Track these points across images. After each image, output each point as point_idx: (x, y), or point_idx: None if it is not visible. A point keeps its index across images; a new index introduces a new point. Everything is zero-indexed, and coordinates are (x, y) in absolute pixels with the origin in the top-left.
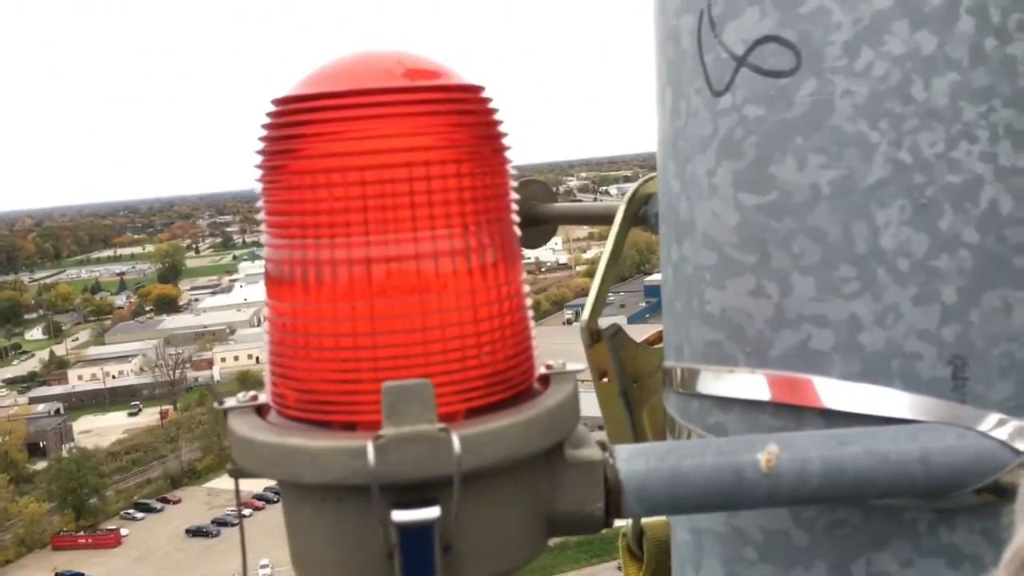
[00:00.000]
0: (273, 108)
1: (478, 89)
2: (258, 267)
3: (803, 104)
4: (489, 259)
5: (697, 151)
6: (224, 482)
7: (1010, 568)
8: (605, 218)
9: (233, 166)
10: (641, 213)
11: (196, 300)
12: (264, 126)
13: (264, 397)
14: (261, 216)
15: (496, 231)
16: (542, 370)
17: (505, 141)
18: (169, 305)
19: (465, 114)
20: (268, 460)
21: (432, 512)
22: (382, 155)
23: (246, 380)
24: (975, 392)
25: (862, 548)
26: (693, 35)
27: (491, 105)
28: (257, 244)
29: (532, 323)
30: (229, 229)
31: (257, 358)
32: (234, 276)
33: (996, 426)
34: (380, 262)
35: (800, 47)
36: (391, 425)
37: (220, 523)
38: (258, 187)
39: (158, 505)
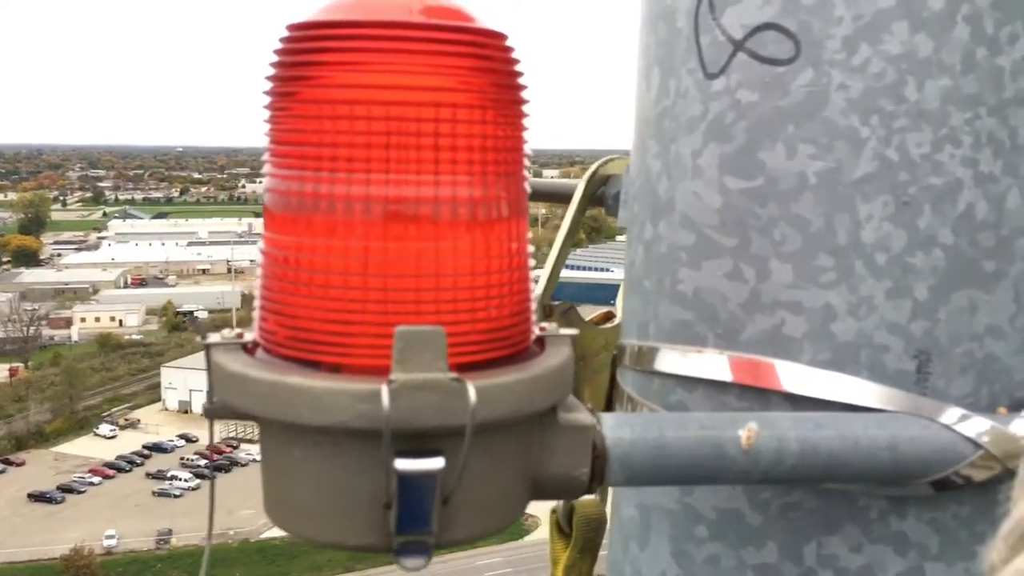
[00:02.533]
0: (288, 33)
1: (501, 36)
2: (129, 227)
3: (798, 93)
4: (504, 211)
5: (684, 131)
6: (74, 447)
7: (1008, 540)
8: (562, 196)
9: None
10: (599, 193)
11: (59, 255)
12: (277, 51)
13: (250, 335)
14: (266, 145)
15: (511, 184)
16: (536, 332)
17: (524, 94)
18: (29, 258)
19: (488, 59)
20: (264, 398)
21: (437, 462)
22: (402, 91)
23: (107, 343)
24: (936, 387)
25: (814, 531)
26: (690, 16)
27: (513, 54)
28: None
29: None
30: (101, 184)
31: (120, 321)
32: (103, 233)
33: (959, 420)
34: (385, 201)
35: (800, 37)
36: (401, 371)
37: (66, 489)
38: (265, 115)
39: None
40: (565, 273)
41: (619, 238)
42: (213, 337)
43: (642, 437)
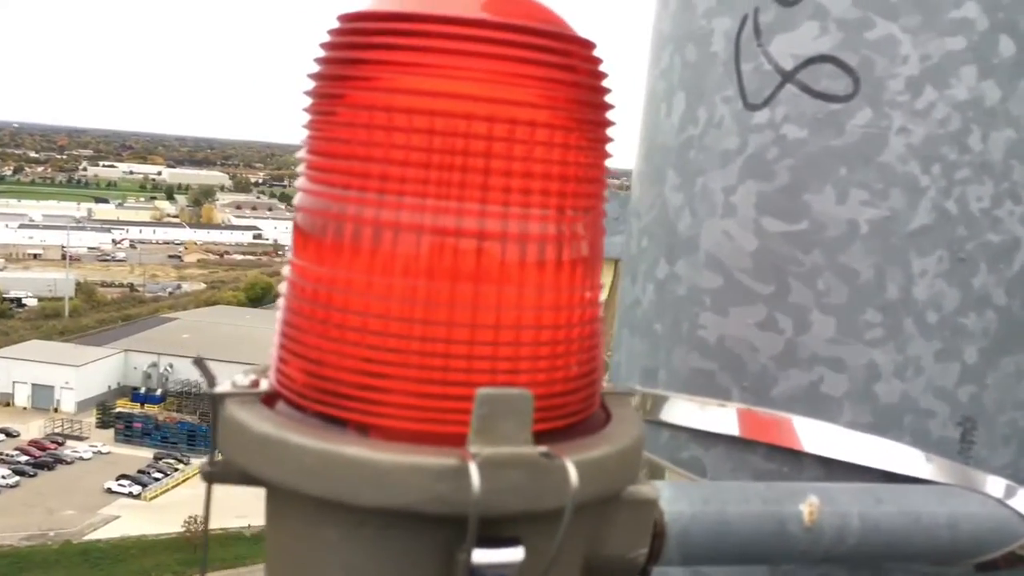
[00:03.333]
0: (340, 25)
1: (590, 44)
2: None
3: (854, 134)
4: (582, 252)
5: (715, 165)
6: None
7: None
8: None
9: None
10: None
11: None
12: (323, 45)
13: (265, 382)
14: (304, 155)
15: (591, 221)
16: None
17: (610, 115)
18: None
19: (574, 71)
20: (308, 470)
21: (517, 554)
22: (472, 102)
23: None
24: (979, 456)
25: None
26: (729, 40)
27: (602, 67)
28: None
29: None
30: None
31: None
32: None
33: (1007, 495)
34: (443, 234)
35: (860, 73)
36: (483, 443)
37: None
38: (304, 119)
39: None
40: None
41: None
42: (223, 386)
43: (702, 511)
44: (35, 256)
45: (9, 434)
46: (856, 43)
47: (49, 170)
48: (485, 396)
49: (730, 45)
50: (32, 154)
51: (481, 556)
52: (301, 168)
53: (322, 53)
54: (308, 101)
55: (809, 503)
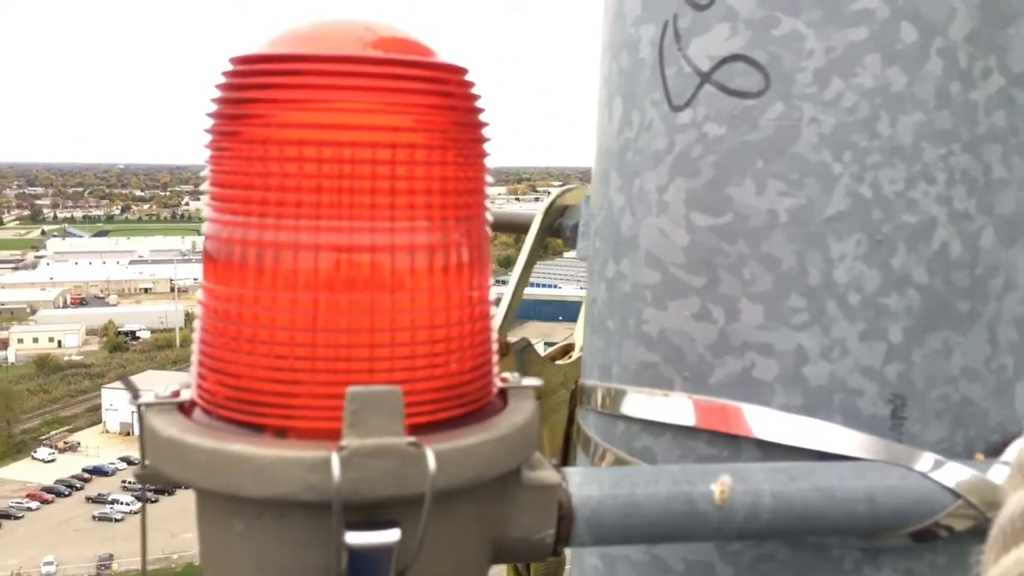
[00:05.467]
0: (231, 67)
1: (461, 70)
2: (69, 245)
3: (768, 127)
4: (462, 259)
5: (648, 165)
6: (10, 471)
7: (999, 539)
8: (519, 227)
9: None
10: (556, 224)
11: None
12: (219, 86)
13: (187, 393)
14: (205, 187)
15: (473, 229)
16: (497, 384)
17: (486, 132)
18: None
19: (446, 96)
20: (202, 467)
21: (393, 535)
22: (354, 131)
23: (45, 364)
24: (911, 432)
25: None
26: (654, 46)
27: (474, 90)
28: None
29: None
30: (39, 202)
31: (59, 342)
32: (41, 252)
33: (934, 468)
34: (337, 250)
35: (769, 70)
36: (354, 436)
37: (2, 515)
38: (205, 154)
39: None
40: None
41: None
42: (146, 397)
43: (611, 494)
44: (146, 290)
45: (130, 462)
46: (764, 41)
47: (154, 207)
48: (354, 394)
49: (655, 51)
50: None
51: (354, 538)
52: (205, 199)
53: (217, 93)
54: (207, 138)
55: (721, 482)
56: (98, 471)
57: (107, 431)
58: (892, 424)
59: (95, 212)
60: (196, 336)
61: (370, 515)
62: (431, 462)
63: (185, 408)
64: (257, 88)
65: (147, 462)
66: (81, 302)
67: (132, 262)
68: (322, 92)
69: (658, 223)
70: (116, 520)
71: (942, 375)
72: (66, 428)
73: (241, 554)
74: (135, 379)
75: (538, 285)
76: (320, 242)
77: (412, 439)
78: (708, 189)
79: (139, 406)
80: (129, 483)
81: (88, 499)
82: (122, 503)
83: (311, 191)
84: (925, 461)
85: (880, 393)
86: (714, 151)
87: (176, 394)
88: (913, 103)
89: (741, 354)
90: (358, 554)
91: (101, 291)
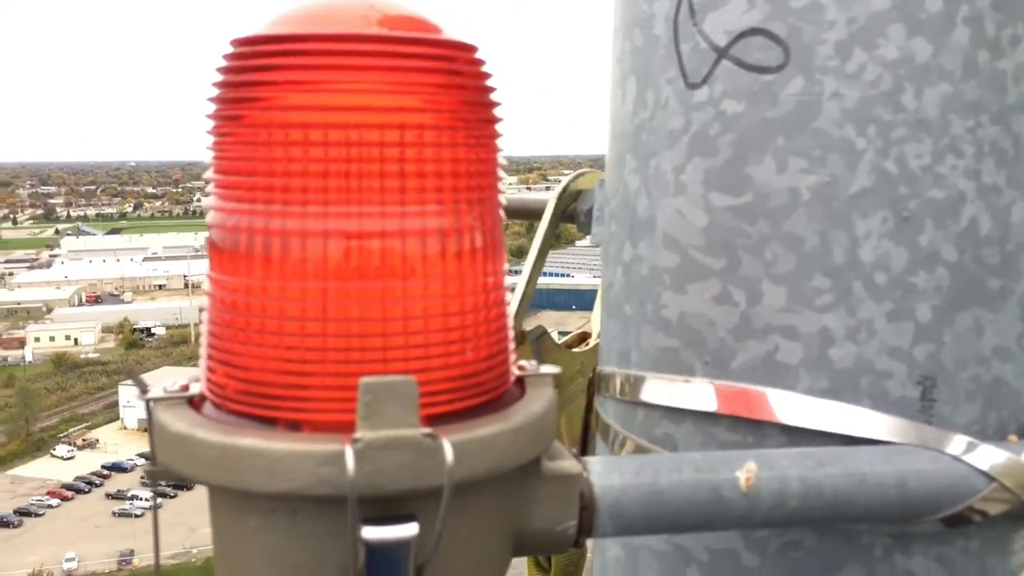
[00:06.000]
0: (233, 50)
1: (470, 48)
2: (83, 244)
3: (788, 103)
4: (476, 243)
5: (664, 145)
6: (30, 469)
7: None
8: (533, 213)
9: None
10: (570, 210)
11: (10, 274)
12: (221, 70)
13: (196, 387)
14: (209, 175)
15: (486, 212)
16: (515, 372)
17: (497, 112)
18: None
19: (455, 74)
20: (212, 463)
21: (410, 529)
22: (361, 112)
23: (62, 362)
24: (942, 414)
25: (815, 572)
26: (669, 22)
27: (484, 68)
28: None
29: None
30: (53, 201)
31: (76, 340)
32: (55, 251)
33: (967, 451)
34: (346, 236)
35: (789, 43)
36: (368, 428)
37: (23, 513)
38: (209, 140)
39: None
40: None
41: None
42: (155, 391)
43: (633, 483)
44: (160, 287)
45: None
46: (783, 13)
47: (166, 204)
48: (368, 384)
49: (670, 27)
50: (150, 190)
51: (371, 533)
52: (209, 188)
53: (219, 77)
54: (210, 124)
55: (747, 469)
56: (117, 467)
57: (125, 427)
58: (922, 406)
59: (108, 210)
60: (204, 328)
61: (387, 509)
62: (448, 454)
63: (195, 402)
64: (259, 70)
65: (158, 460)
66: (96, 300)
67: (146, 259)
68: (326, 72)
69: (675, 204)
70: (136, 516)
71: (973, 355)
72: (84, 425)
73: (255, 551)
74: (151, 375)
75: (551, 274)
76: (328, 228)
77: (428, 430)
78: (727, 168)
79: (147, 401)
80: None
81: (108, 495)
82: (142, 499)
83: (317, 176)
84: (957, 444)
85: (909, 375)
86: (732, 129)
87: (185, 388)
88: (939, 74)
89: (764, 337)
90: (375, 549)
91: (116, 288)
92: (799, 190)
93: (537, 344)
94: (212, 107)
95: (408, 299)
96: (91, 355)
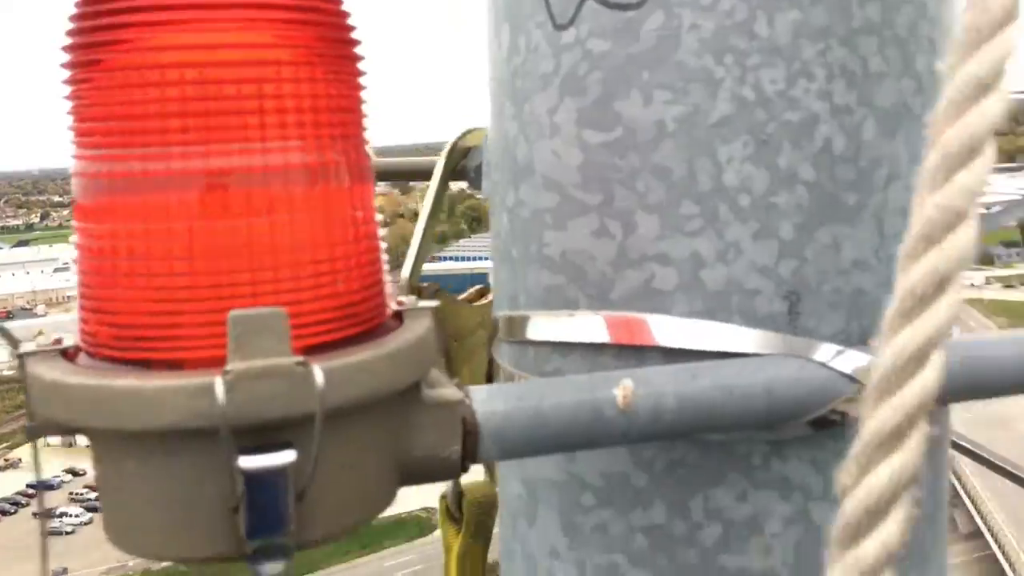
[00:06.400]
0: None
1: None
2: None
3: (649, 38)
4: (343, 178)
5: (537, 89)
6: None
7: (859, 460)
8: (423, 173)
9: None
10: (460, 167)
11: None
12: (72, 17)
13: (70, 340)
14: (70, 124)
15: (350, 148)
16: (393, 306)
17: (358, 50)
18: None
19: (312, 11)
20: (86, 406)
21: (287, 456)
22: (216, 50)
23: None
24: (807, 326)
25: (699, 485)
26: None
27: (341, 6)
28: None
29: (384, 254)
30: None
31: None
32: None
33: (834, 357)
34: (207, 175)
35: None
36: (239, 359)
37: None
38: (65, 90)
39: None
40: (448, 265)
41: None
42: (27, 346)
43: (517, 407)
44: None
45: (75, 473)
46: None
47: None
48: (236, 317)
49: None
50: (56, 198)
51: (247, 462)
52: (70, 138)
53: (72, 25)
54: (65, 73)
55: (623, 387)
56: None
57: (48, 444)
58: (789, 320)
59: (13, 222)
60: (76, 280)
61: (263, 438)
62: (319, 379)
63: (69, 354)
64: (115, 13)
65: (35, 414)
66: (8, 315)
67: (57, 270)
68: (179, 13)
69: (551, 146)
70: (67, 533)
71: (834, 268)
72: (4, 445)
73: (137, 492)
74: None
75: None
76: (189, 168)
77: (299, 359)
78: (597, 106)
79: (20, 356)
80: (77, 495)
81: (35, 515)
82: (71, 515)
83: (176, 116)
84: (824, 351)
85: (776, 291)
86: (599, 67)
87: (58, 341)
88: (789, 1)
89: (640, 266)
90: (253, 478)
91: (28, 302)
92: (664, 122)
93: (435, 298)
94: (66, 56)
95: (275, 234)
96: (6, 372)
